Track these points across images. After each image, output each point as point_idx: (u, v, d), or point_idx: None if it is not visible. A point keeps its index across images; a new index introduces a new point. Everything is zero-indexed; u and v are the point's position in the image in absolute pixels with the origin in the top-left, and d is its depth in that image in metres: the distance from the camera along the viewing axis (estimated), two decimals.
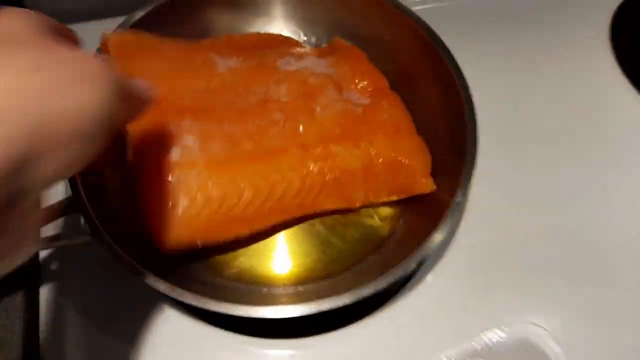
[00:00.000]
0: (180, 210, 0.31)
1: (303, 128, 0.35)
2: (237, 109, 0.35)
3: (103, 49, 0.35)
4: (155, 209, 0.31)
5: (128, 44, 0.35)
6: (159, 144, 0.32)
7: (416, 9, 0.40)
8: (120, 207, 0.33)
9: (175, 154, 0.32)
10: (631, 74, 0.46)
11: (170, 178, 0.31)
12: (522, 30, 0.48)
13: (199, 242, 0.32)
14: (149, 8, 0.38)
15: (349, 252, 0.36)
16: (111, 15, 0.41)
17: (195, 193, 0.31)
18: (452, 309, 0.35)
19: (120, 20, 0.37)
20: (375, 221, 0.37)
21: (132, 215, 0.32)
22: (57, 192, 0.35)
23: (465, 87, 0.36)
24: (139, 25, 0.37)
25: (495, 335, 0.34)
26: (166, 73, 0.35)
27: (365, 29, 0.42)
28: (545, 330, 0.34)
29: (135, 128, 0.32)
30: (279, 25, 0.43)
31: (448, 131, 0.37)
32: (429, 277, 0.36)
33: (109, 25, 0.37)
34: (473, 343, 0.34)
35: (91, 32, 0.34)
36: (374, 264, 0.35)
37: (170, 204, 0.31)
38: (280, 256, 0.36)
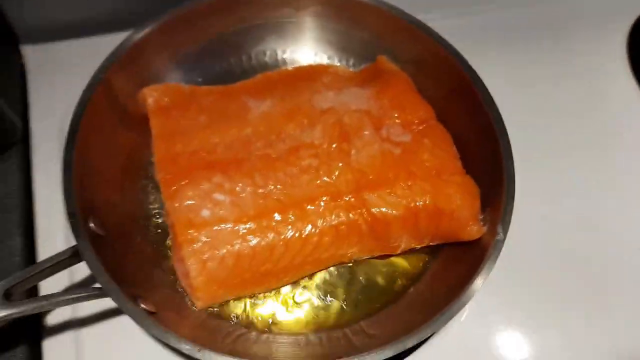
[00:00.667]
0: (210, 269, 0.30)
1: (336, 175, 0.33)
2: (269, 158, 0.34)
3: (140, 102, 0.35)
4: (187, 268, 0.30)
5: (164, 98, 0.36)
6: (189, 201, 0.31)
7: (437, 24, 0.39)
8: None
9: (205, 212, 0.31)
10: None
11: (200, 237, 0.30)
12: (541, 46, 0.47)
13: (230, 297, 0.32)
14: (156, 22, 0.37)
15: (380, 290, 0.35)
16: (116, 29, 0.40)
17: (225, 251, 0.31)
18: (486, 345, 0.34)
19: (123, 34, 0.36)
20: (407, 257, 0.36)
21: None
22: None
23: (500, 122, 0.34)
24: (146, 41, 0.36)
25: None
26: (200, 126, 0.35)
27: (402, 52, 0.40)
28: None
29: (167, 187, 0.31)
30: (314, 49, 0.42)
31: (483, 165, 0.35)
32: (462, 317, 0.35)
33: (115, 40, 0.36)
34: None
35: (95, 47, 0.35)
36: (412, 303, 0.33)
37: (202, 263, 0.30)
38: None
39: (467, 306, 0.33)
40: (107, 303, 0.33)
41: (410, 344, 0.28)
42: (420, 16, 0.39)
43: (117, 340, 0.33)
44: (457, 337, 0.35)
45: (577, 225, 0.39)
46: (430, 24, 0.39)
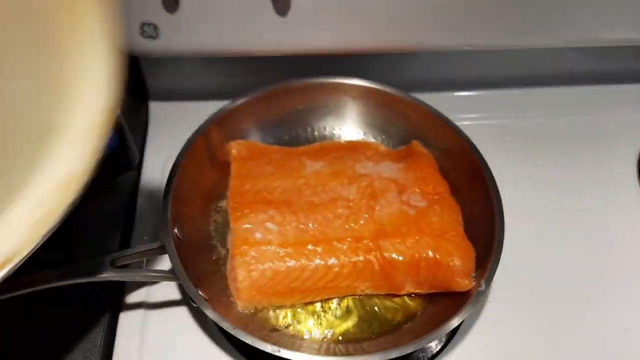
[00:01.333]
0: (254, 278, 0.40)
1: (362, 223, 0.43)
2: (312, 203, 0.44)
3: (226, 151, 0.48)
4: (237, 274, 0.40)
5: (244, 151, 0.48)
6: (247, 225, 0.42)
7: (465, 123, 0.48)
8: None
9: (258, 234, 0.42)
10: None
11: (250, 252, 0.41)
12: (555, 153, 0.55)
13: (265, 303, 0.41)
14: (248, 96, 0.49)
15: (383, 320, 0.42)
16: (221, 98, 0.51)
17: (266, 266, 0.41)
18: None
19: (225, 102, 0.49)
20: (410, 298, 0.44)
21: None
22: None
23: (499, 201, 0.43)
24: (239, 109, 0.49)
25: None
26: (266, 173, 0.47)
27: (432, 139, 0.50)
28: None
29: (234, 212, 0.43)
30: (362, 129, 0.53)
31: (483, 235, 0.43)
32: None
33: (218, 105, 0.48)
34: None
35: (202, 109, 0.48)
36: (405, 335, 0.40)
37: (248, 271, 0.40)
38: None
39: (457, 349, 0.42)
40: (173, 293, 0.44)
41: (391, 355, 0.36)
42: (451, 116, 0.50)
43: (175, 325, 0.43)
44: None
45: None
46: (457, 123, 0.49)
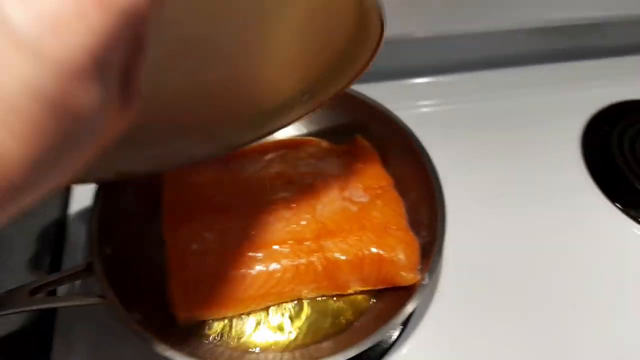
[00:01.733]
0: (191, 292, 0.38)
1: (303, 224, 0.42)
2: (253, 207, 0.42)
3: None
4: (173, 289, 0.38)
5: None
6: (183, 235, 0.40)
7: (406, 112, 0.47)
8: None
9: (194, 245, 0.40)
10: (601, 182, 0.50)
11: (187, 264, 0.39)
12: (498, 137, 0.54)
13: (207, 316, 0.39)
14: None
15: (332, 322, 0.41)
16: None
17: (205, 277, 0.39)
18: None
19: None
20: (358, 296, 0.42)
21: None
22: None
23: (440, 193, 0.42)
24: None
25: None
26: (203, 179, 0.44)
27: (373, 132, 0.48)
28: None
29: (168, 224, 0.40)
30: (307, 127, 0.51)
31: (427, 226, 0.42)
32: (403, 352, 0.41)
33: None
34: None
35: None
36: (355, 334, 0.39)
37: (185, 286, 0.38)
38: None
39: (410, 341, 0.41)
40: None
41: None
42: (391, 104, 0.48)
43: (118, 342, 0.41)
44: None
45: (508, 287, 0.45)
46: (398, 111, 0.48)
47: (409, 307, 0.37)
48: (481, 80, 0.60)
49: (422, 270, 0.39)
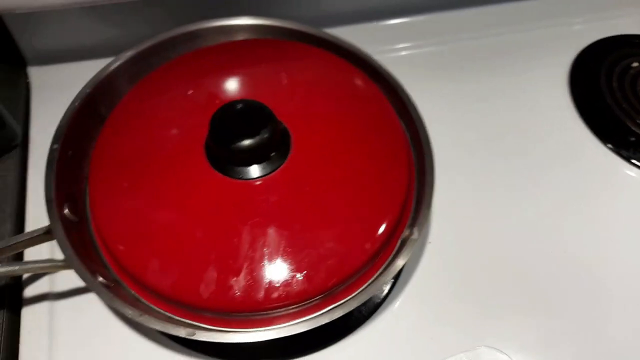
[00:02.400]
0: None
1: None
2: None
3: None
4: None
5: None
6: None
7: (382, 56, 0.44)
8: None
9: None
10: (591, 123, 0.49)
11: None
12: (482, 78, 0.51)
13: None
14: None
15: None
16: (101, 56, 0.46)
17: None
18: (417, 337, 0.39)
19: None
20: None
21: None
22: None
23: (428, 144, 0.39)
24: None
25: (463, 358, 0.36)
26: None
27: None
28: (507, 355, 0.36)
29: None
30: None
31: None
32: (396, 307, 0.40)
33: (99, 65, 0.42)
34: None
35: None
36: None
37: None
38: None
39: (400, 298, 0.40)
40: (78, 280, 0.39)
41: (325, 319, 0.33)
42: (370, 47, 0.45)
43: (87, 314, 0.39)
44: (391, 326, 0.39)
45: (498, 231, 0.43)
46: (377, 55, 0.44)
47: (400, 262, 0.35)
48: (461, 19, 0.56)
49: (411, 225, 0.37)
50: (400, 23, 0.56)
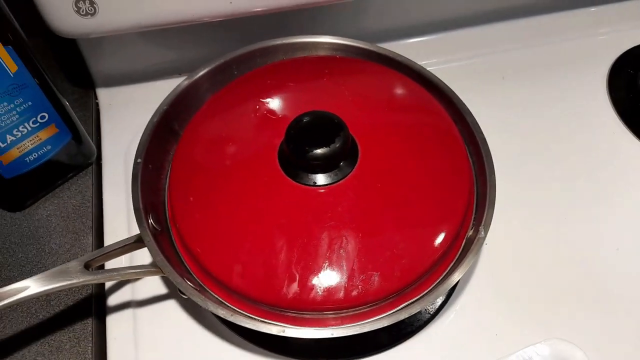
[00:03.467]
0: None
1: None
2: None
3: None
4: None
5: None
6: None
7: (431, 69, 0.46)
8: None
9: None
10: (632, 126, 0.51)
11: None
12: (522, 89, 0.54)
13: None
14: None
15: None
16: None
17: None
18: (483, 333, 0.40)
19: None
20: None
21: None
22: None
23: (485, 144, 0.42)
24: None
25: (531, 351, 0.37)
26: None
27: None
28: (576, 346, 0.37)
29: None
30: None
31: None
32: (458, 305, 0.42)
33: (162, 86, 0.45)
34: (512, 358, 0.37)
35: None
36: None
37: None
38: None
39: (462, 296, 0.42)
40: (159, 287, 0.42)
41: (404, 315, 0.34)
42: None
43: (169, 320, 0.41)
44: (454, 325, 0.41)
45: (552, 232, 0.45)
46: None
47: (469, 259, 0.36)
48: (492, 34, 0.59)
49: (476, 225, 0.39)
50: (433, 39, 0.58)
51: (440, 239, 0.38)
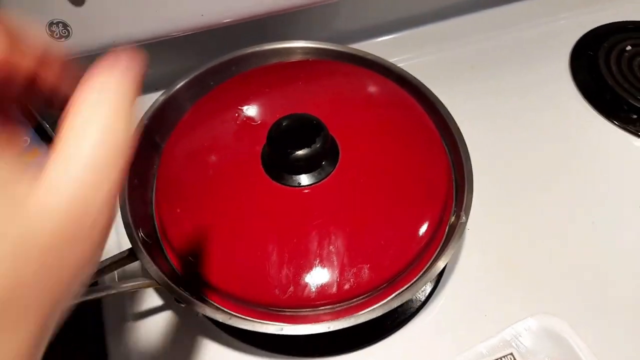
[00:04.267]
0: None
1: None
2: None
3: None
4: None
5: None
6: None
7: (402, 64, 0.48)
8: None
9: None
10: (594, 102, 0.54)
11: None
12: (492, 75, 0.56)
13: None
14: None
15: None
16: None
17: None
18: (472, 315, 0.42)
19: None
20: None
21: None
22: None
23: (459, 133, 0.43)
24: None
25: (520, 327, 0.39)
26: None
27: None
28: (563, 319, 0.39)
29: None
30: None
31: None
32: (448, 292, 0.43)
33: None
34: (502, 335, 0.39)
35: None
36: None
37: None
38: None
39: (449, 282, 0.43)
40: (153, 299, 0.42)
41: (396, 303, 0.36)
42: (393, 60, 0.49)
43: (167, 330, 0.41)
44: (443, 310, 0.42)
45: (530, 216, 0.47)
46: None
47: (453, 244, 0.38)
48: (457, 27, 0.61)
49: (457, 211, 0.40)
50: (398, 37, 0.60)
51: (424, 227, 0.39)
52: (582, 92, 0.55)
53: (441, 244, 0.40)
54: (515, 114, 0.53)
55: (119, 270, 0.41)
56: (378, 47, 0.51)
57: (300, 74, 0.48)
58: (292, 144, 0.39)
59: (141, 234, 0.40)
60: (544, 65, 0.57)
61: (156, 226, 0.42)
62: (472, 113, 0.52)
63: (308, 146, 0.39)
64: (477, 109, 0.53)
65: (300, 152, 0.39)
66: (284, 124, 0.40)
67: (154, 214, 0.42)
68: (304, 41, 0.48)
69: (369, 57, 0.48)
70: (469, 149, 0.42)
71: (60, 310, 0.19)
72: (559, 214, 0.47)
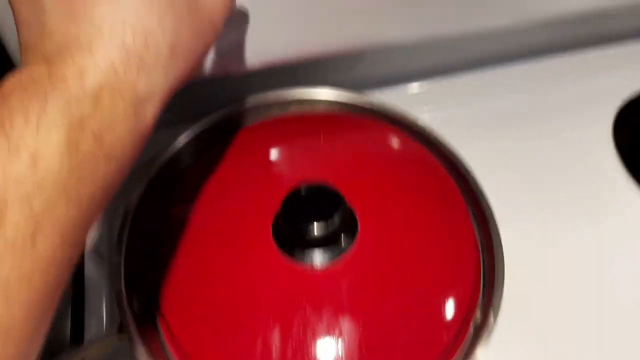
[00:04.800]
0: None
1: None
2: None
3: None
4: None
5: None
6: None
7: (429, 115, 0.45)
8: None
9: None
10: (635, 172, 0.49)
11: None
12: (528, 134, 0.52)
13: None
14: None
15: None
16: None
17: None
18: None
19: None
20: None
21: None
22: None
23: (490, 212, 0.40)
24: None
25: None
26: None
27: None
28: None
29: None
30: None
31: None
32: None
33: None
34: None
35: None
36: None
37: None
38: None
39: None
40: None
41: None
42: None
43: None
44: None
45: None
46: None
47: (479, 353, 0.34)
48: (496, 78, 0.56)
49: (484, 306, 0.36)
50: (431, 86, 0.56)
51: (448, 325, 0.35)
52: (625, 163, 0.50)
53: (466, 347, 0.35)
54: (550, 178, 0.49)
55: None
56: (405, 95, 0.47)
57: (319, 129, 0.44)
58: (307, 218, 0.35)
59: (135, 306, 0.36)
60: (584, 127, 0.53)
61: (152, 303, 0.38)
62: (503, 175, 0.47)
63: (324, 221, 0.35)
64: (507, 169, 0.48)
65: (315, 228, 0.35)
66: (299, 194, 0.36)
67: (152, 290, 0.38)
68: (322, 87, 0.46)
69: (394, 112, 0.44)
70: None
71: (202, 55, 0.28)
72: (594, 293, 0.42)
